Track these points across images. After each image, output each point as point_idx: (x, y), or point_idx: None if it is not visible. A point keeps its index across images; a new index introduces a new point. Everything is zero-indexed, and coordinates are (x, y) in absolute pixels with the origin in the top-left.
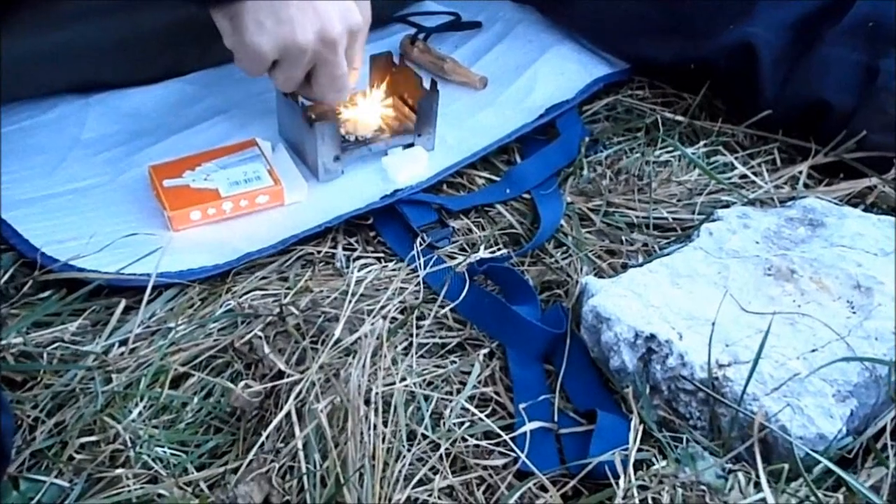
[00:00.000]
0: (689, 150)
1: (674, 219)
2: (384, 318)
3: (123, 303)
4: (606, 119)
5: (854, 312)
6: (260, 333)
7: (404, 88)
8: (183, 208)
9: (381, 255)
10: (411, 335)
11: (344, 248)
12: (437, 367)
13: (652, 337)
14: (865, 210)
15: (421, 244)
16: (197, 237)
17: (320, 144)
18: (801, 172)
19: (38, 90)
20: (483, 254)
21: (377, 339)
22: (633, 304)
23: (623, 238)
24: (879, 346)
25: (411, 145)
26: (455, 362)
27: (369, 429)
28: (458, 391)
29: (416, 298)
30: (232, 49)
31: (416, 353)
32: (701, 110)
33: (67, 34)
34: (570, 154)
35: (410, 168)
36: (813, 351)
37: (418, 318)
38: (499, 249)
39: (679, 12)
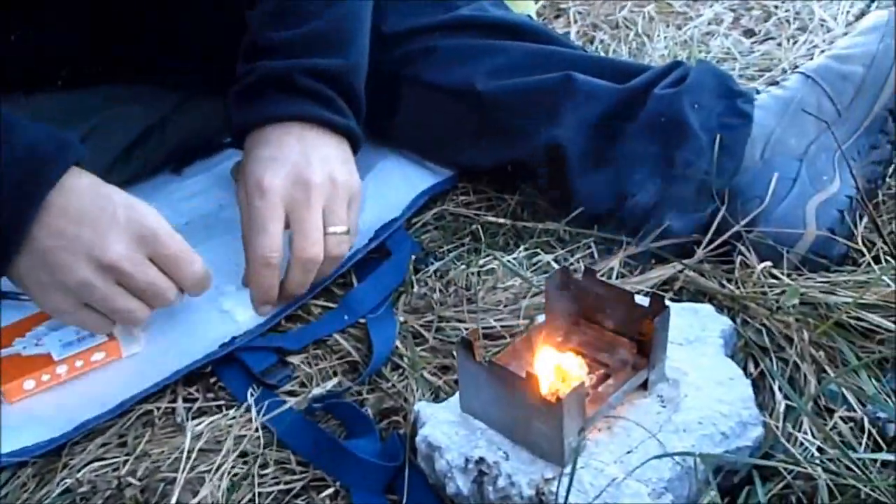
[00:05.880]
0: (511, 256)
1: (501, 326)
2: (227, 474)
3: None
4: (435, 229)
5: (664, 406)
6: None
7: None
8: (15, 379)
9: (223, 401)
10: (254, 486)
11: (184, 400)
12: None
13: (481, 460)
14: (675, 295)
15: (256, 390)
16: (33, 407)
17: None
18: (613, 267)
19: None
20: (322, 388)
21: (222, 496)
22: (461, 429)
23: (455, 353)
24: (687, 438)
25: (645, 384)
26: None
27: None
28: None
29: (257, 447)
30: None
31: None
32: (523, 209)
33: None
34: (402, 273)
35: (250, 308)
36: (629, 452)
37: (261, 467)
38: (339, 380)
39: (493, 118)
